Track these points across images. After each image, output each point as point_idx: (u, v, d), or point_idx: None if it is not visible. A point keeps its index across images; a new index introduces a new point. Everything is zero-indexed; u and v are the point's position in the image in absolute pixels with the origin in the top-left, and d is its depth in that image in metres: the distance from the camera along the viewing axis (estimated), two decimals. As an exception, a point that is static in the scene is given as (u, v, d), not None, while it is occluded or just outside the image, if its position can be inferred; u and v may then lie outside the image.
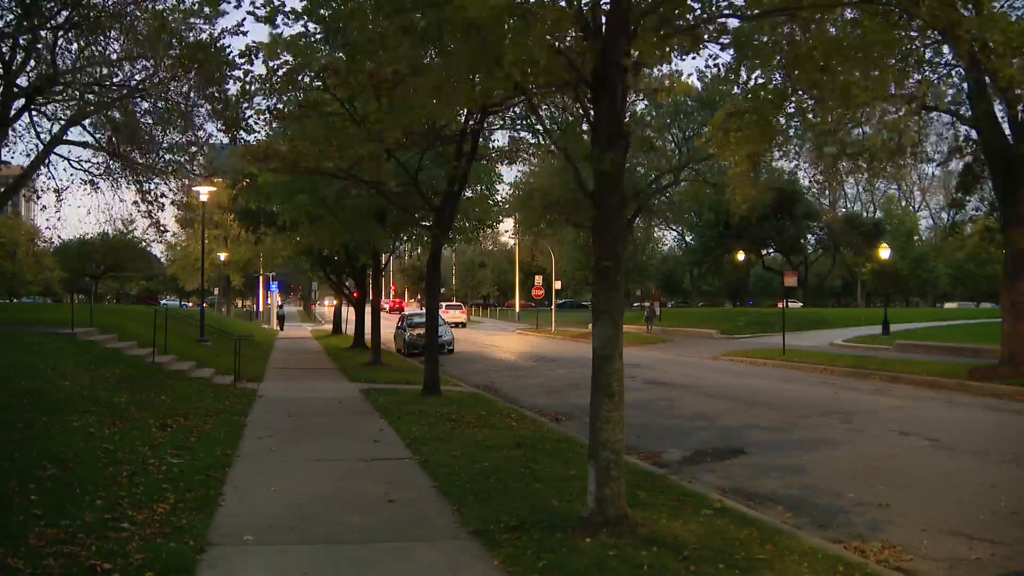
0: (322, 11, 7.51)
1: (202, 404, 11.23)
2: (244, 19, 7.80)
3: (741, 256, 54.51)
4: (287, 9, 7.05)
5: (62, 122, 16.73)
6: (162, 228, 20.46)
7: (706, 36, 5.79)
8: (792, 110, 9.54)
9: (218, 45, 12.45)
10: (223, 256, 43.82)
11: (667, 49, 5.77)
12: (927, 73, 14.44)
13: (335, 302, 46.50)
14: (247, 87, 9.12)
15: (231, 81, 13.73)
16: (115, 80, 15.96)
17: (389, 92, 7.30)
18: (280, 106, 12.22)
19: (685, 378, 17.29)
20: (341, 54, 9.42)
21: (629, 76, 5.42)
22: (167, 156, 17.48)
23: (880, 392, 14.47)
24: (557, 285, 48.88)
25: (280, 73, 9.17)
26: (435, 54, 6.31)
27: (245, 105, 12.37)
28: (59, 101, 16.63)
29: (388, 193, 14.68)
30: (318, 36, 9.66)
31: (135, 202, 17.82)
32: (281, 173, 13.58)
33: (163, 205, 18.31)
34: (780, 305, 34.31)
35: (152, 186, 17.83)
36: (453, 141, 13.71)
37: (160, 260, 56.50)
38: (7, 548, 4.46)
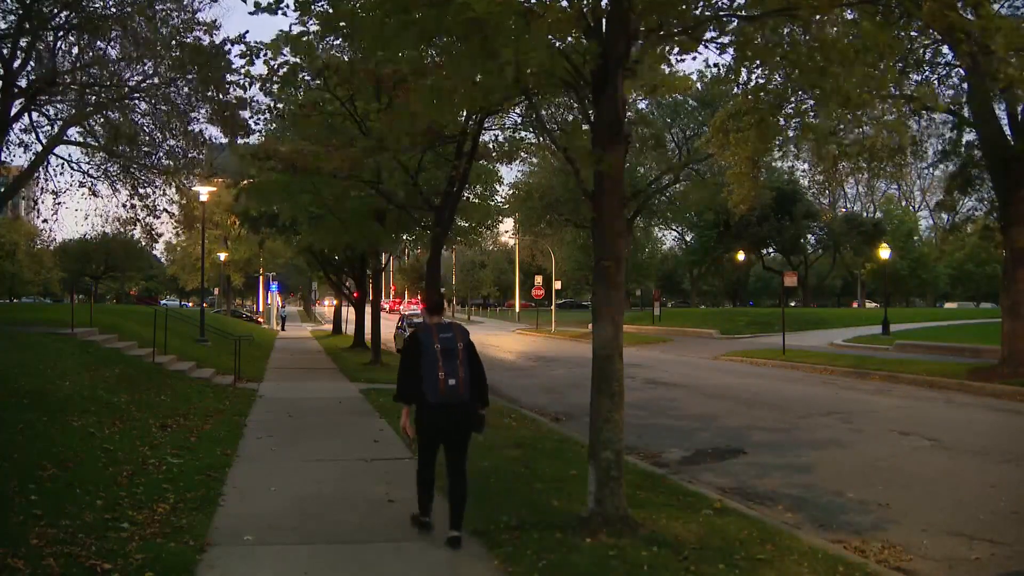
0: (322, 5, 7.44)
1: (202, 404, 11.22)
2: (247, 32, 7.77)
3: (741, 256, 54.53)
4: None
5: (61, 123, 16.74)
6: (156, 235, 20.50)
7: (707, 35, 5.78)
8: (792, 111, 9.56)
9: (218, 49, 12.49)
10: (223, 256, 43.83)
11: (667, 48, 5.77)
12: (927, 73, 14.47)
13: (335, 302, 46.49)
14: (246, 87, 9.14)
15: (232, 87, 13.78)
16: (114, 81, 15.97)
17: (390, 92, 7.29)
18: (280, 105, 12.18)
19: (685, 378, 17.29)
20: (343, 54, 9.40)
21: (628, 77, 5.42)
22: (165, 160, 17.49)
23: (880, 392, 14.47)
24: (557, 285, 48.89)
25: (281, 72, 9.17)
26: (436, 54, 6.30)
27: (245, 113, 12.39)
28: (58, 102, 16.64)
29: (388, 193, 14.68)
30: (330, 37, 9.63)
31: (129, 205, 17.83)
32: (281, 173, 13.59)
33: (159, 214, 18.36)
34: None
35: (150, 192, 17.86)
36: (453, 141, 13.71)
37: (160, 260, 56.58)
38: (7, 548, 4.44)
